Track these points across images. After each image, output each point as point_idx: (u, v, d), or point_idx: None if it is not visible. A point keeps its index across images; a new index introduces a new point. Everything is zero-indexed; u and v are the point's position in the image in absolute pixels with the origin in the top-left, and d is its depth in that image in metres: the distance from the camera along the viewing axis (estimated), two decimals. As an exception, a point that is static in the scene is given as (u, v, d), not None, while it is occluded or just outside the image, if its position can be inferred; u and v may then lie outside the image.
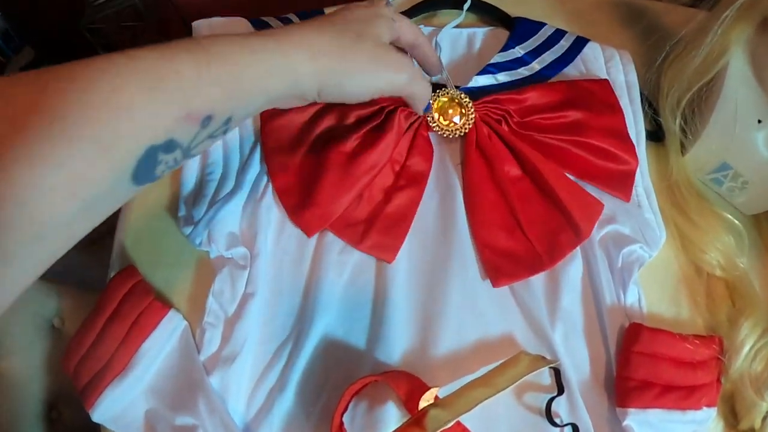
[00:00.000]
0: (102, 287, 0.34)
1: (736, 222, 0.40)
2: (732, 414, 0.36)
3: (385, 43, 0.31)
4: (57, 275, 0.65)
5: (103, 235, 0.35)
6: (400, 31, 0.32)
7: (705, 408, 0.33)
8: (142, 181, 0.23)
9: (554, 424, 0.30)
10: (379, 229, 0.34)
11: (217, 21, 0.43)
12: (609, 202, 0.37)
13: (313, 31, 0.28)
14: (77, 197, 0.20)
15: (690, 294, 0.38)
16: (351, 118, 0.37)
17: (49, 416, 0.52)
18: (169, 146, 0.23)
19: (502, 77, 0.42)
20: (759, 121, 0.38)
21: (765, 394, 0.34)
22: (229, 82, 0.24)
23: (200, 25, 0.43)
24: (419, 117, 0.38)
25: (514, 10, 0.50)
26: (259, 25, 0.45)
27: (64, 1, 1.27)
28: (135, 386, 0.31)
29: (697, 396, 0.32)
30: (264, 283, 0.33)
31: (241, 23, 0.44)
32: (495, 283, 0.34)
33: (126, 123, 0.21)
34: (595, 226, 0.35)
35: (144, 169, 0.23)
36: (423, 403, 0.29)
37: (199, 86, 0.23)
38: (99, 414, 0.31)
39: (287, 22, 0.46)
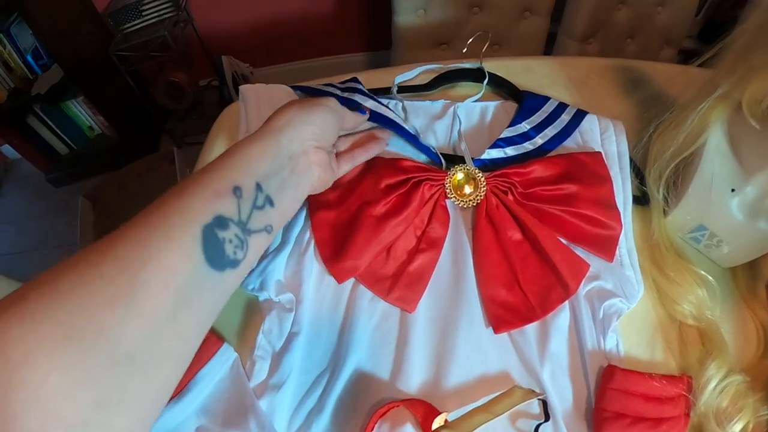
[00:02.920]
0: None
1: (710, 277, 0.46)
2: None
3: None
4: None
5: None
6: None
7: None
8: (221, 265, 0.26)
9: None
10: (402, 285, 0.42)
11: (261, 87, 0.52)
12: (595, 262, 0.43)
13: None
14: (169, 288, 0.23)
15: (665, 339, 0.43)
16: (382, 185, 0.45)
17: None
18: (221, 223, 0.26)
19: (510, 151, 0.50)
20: (732, 190, 0.44)
21: (727, 426, 0.39)
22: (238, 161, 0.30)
23: (247, 89, 0.51)
24: (440, 188, 0.46)
25: (520, 78, 0.58)
26: (301, 90, 0.52)
27: (96, 26, 1.39)
28: (189, 406, 0.38)
29: (664, 427, 0.37)
30: (306, 324, 0.41)
31: (282, 89, 0.52)
32: (496, 330, 0.41)
33: (174, 211, 0.25)
34: (582, 283, 0.42)
35: (213, 250, 0.25)
36: (435, 425, 0.36)
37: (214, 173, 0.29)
38: (154, 428, 0.36)
39: (353, 89, 0.53)
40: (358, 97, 0.51)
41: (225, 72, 1.58)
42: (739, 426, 0.39)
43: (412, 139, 0.50)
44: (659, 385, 0.38)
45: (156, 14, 1.27)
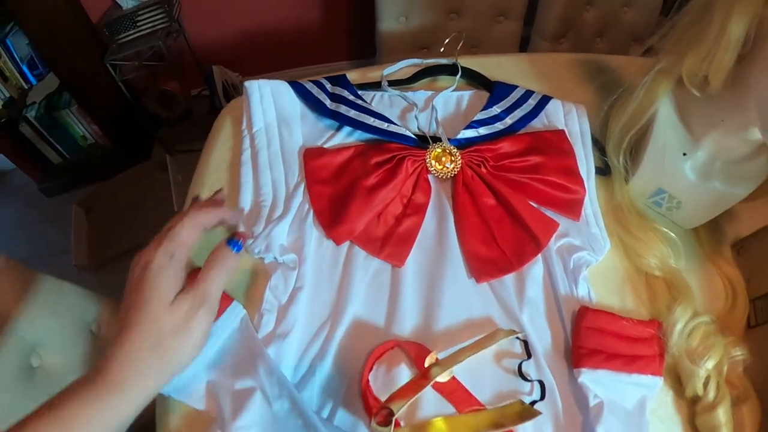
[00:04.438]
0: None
1: (671, 233, 0.51)
2: (678, 384, 0.45)
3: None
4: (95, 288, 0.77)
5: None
6: (183, 247, 0.35)
7: (650, 375, 0.42)
8: None
9: (526, 380, 0.41)
10: (392, 244, 0.47)
11: (266, 83, 0.57)
12: (563, 222, 0.49)
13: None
14: None
15: (633, 290, 0.48)
16: (372, 162, 0.51)
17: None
18: None
19: (483, 131, 0.56)
20: (684, 154, 0.50)
21: (699, 363, 0.42)
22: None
23: (250, 84, 0.56)
24: (421, 163, 0.51)
25: (492, 72, 0.64)
26: (302, 93, 0.58)
27: (90, 36, 1.43)
28: (199, 363, 0.41)
29: (639, 363, 0.42)
30: (309, 281, 0.45)
31: (281, 84, 0.57)
32: (478, 280, 0.46)
33: None
34: (552, 239, 0.48)
35: None
36: (427, 363, 0.41)
37: None
38: (166, 386, 0.38)
39: (320, 85, 0.59)
40: (345, 105, 0.56)
41: (216, 81, 1.63)
42: (711, 362, 0.43)
43: (394, 136, 0.54)
44: (628, 324, 0.43)
45: (150, 25, 1.32)
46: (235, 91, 1.70)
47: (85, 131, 1.65)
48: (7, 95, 1.31)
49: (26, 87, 1.40)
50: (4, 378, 0.61)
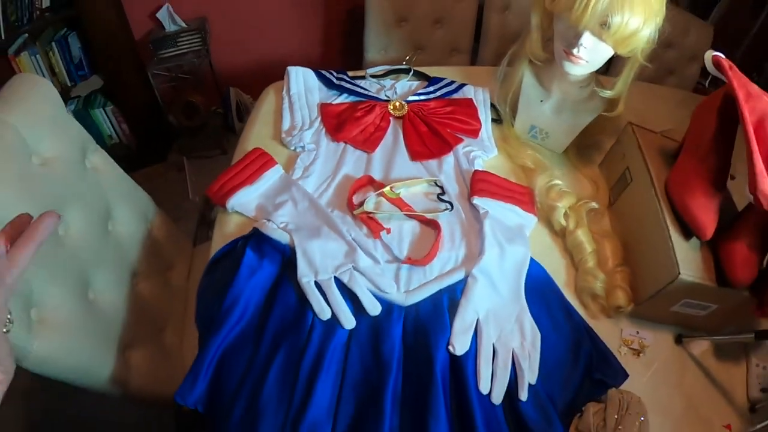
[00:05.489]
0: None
1: (537, 154, 0.87)
2: (550, 225, 0.78)
3: None
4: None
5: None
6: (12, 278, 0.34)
7: (525, 211, 0.75)
8: None
9: (442, 201, 0.75)
10: (368, 142, 0.83)
11: (299, 68, 0.94)
12: (467, 138, 0.86)
13: None
14: None
15: (515, 176, 0.84)
16: (358, 107, 0.88)
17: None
18: None
19: (421, 97, 0.94)
20: (541, 101, 0.88)
21: (555, 201, 0.76)
22: None
23: (291, 69, 0.94)
24: (385, 107, 0.89)
25: (433, 74, 1.02)
26: (319, 76, 0.95)
27: (133, 50, 1.77)
28: (255, 191, 0.74)
29: (515, 199, 0.75)
30: (321, 156, 0.80)
31: (308, 71, 0.94)
32: (414, 159, 0.82)
33: None
34: (460, 145, 0.84)
35: None
36: (386, 189, 0.74)
37: None
38: (231, 203, 0.72)
39: (329, 72, 0.96)
40: (344, 83, 0.94)
41: (231, 101, 1.99)
42: (566, 202, 0.76)
43: (371, 97, 0.93)
44: (508, 182, 0.79)
45: (187, 46, 1.70)
46: (246, 111, 2.06)
47: (113, 131, 1.93)
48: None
49: (69, 84, 1.67)
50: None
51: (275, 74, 0.99)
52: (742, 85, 0.55)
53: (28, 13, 1.46)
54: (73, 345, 0.62)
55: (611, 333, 0.67)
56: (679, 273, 0.59)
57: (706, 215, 0.60)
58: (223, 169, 0.77)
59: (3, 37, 1.40)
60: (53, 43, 1.57)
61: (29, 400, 1.28)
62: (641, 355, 0.66)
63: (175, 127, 1.98)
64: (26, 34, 1.48)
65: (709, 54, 0.60)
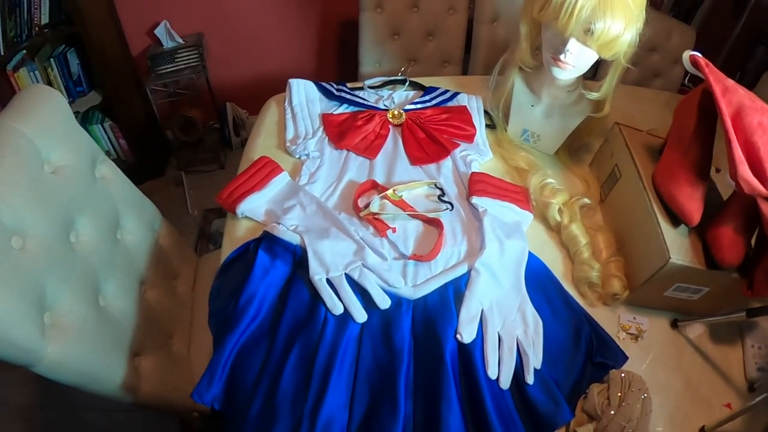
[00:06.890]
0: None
1: (530, 156, 0.92)
2: (545, 221, 0.82)
3: None
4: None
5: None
6: None
7: (521, 209, 0.79)
8: None
9: (443, 202, 0.79)
10: (369, 149, 0.87)
11: (300, 80, 0.98)
12: (462, 143, 0.90)
13: None
14: None
15: (510, 177, 0.88)
16: (359, 116, 0.91)
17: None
18: None
19: (418, 105, 0.98)
20: (532, 105, 0.93)
21: (549, 199, 0.80)
22: None
23: (293, 81, 0.98)
24: (384, 116, 0.92)
25: (431, 83, 1.07)
26: (320, 87, 0.99)
27: (131, 66, 1.80)
28: (263, 197, 0.77)
29: (511, 198, 0.79)
30: (325, 163, 0.84)
31: (308, 83, 0.99)
32: (414, 164, 0.86)
33: None
34: (457, 150, 0.88)
35: None
36: (389, 192, 0.78)
37: None
38: (241, 208, 0.75)
39: (329, 84, 1.00)
40: (344, 94, 0.98)
41: (228, 116, 2.03)
42: (559, 198, 0.80)
43: (370, 106, 0.97)
44: (504, 182, 0.83)
45: (185, 62, 1.74)
46: (242, 126, 2.09)
47: (111, 146, 1.95)
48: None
49: (68, 100, 1.66)
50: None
51: (271, 89, 1.02)
52: (718, 80, 0.60)
53: (27, 29, 1.48)
54: (85, 350, 0.63)
55: (609, 320, 0.70)
56: (670, 257, 0.62)
57: (692, 203, 0.64)
58: (221, 183, 0.80)
59: (2, 52, 1.42)
60: (52, 60, 1.59)
61: (30, 420, 1.27)
62: (639, 339, 0.69)
63: (172, 142, 2.00)
64: (25, 50, 1.50)
65: (687, 53, 0.65)
